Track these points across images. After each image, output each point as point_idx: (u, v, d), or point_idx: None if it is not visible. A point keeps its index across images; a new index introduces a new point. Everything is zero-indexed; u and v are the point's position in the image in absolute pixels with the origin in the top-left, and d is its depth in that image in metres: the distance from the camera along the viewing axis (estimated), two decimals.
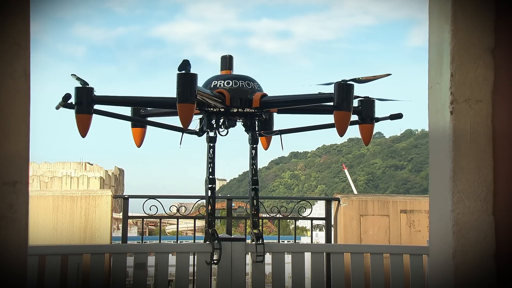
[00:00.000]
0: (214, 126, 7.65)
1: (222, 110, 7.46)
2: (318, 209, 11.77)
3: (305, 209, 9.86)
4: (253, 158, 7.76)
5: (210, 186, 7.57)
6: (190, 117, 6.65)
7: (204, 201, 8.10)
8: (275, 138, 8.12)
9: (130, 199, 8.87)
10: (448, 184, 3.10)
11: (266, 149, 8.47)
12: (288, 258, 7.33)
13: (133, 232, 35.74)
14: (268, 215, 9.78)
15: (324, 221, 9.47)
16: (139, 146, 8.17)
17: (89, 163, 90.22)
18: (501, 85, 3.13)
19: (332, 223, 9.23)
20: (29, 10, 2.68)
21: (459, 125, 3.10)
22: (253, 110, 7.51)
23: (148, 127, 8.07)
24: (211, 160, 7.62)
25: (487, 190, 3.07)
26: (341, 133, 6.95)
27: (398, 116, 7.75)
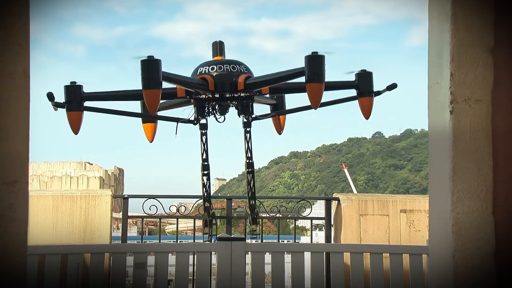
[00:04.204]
0: (206, 112, 7.69)
1: (210, 96, 7.50)
2: (318, 208, 11.77)
3: (305, 208, 9.87)
4: (248, 141, 7.79)
5: (204, 172, 7.60)
6: (156, 103, 6.72)
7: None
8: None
9: (130, 199, 8.88)
10: (447, 183, 3.10)
11: (280, 134, 8.52)
12: (287, 257, 7.33)
13: (132, 231, 35.68)
14: (268, 215, 9.77)
15: (323, 221, 9.47)
16: (151, 141, 8.29)
17: (89, 163, 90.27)
18: (500, 85, 3.13)
19: (332, 223, 9.23)
20: (28, 10, 2.68)
21: (458, 124, 3.10)
22: (239, 94, 7.54)
23: (159, 123, 8.19)
24: (204, 147, 7.66)
25: (487, 189, 3.07)
26: (315, 106, 6.97)
27: (393, 86, 7.78)
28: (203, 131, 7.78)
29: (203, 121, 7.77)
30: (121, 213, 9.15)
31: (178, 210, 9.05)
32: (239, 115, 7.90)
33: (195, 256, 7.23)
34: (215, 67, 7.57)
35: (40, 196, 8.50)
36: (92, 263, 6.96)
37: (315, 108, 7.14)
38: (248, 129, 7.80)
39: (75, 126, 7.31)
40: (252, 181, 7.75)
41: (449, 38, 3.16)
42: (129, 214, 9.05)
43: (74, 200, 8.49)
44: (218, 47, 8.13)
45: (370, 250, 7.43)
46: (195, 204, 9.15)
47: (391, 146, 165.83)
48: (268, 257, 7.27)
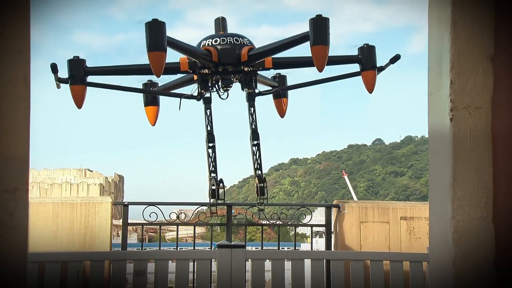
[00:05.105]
0: (209, 86, 7.75)
1: (213, 70, 7.56)
2: (318, 215, 11.75)
3: (305, 215, 9.85)
4: (252, 114, 7.86)
5: (209, 144, 7.67)
6: (161, 65, 6.74)
7: (204, 207, 8.14)
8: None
9: (130, 206, 8.87)
10: (448, 191, 3.09)
11: (282, 117, 8.58)
12: (288, 265, 7.32)
13: (132, 238, 35.70)
14: (268, 222, 9.77)
15: (324, 228, 9.45)
16: (153, 125, 8.36)
17: (89, 170, 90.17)
18: (500, 92, 3.13)
19: (332, 230, 9.22)
20: (29, 17, 2.68)
21: (458, 132, 3.10)
22: (242, 68, 7.59)
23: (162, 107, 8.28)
24: (209, 119, 7.74)
25: (487, 197, 3.06)
26: (320, 68, 6.98)
27: (397, 57, 7.83)
28: (207, 105, 7.87)
29: (207, 94, 7.86)
30: (121, 220, 9.14)
31: (178, 217, 9.04)
32: (242, 89, 7.96)
33: (195, 263, 7.22)
34: (218, 39, 7.62)
35: (40, 203, 8.50)
36: (92, 270, 6.95)
37: (320, 71, 7.15)
38: (252, 103, 7.89)
39: (79, 101, 7.39)
40: (258, 153, 7.85)
41: (449, 45, 3.16)
42: (129, 221, 9.04)
43: (74, 207, 8.49)
44: (221, 23, 8.19)
45: (370, 258, 7.42)
46: (195, 211, 9.14)
47: (391, 153, 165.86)
48: (268, 264, 7.26)
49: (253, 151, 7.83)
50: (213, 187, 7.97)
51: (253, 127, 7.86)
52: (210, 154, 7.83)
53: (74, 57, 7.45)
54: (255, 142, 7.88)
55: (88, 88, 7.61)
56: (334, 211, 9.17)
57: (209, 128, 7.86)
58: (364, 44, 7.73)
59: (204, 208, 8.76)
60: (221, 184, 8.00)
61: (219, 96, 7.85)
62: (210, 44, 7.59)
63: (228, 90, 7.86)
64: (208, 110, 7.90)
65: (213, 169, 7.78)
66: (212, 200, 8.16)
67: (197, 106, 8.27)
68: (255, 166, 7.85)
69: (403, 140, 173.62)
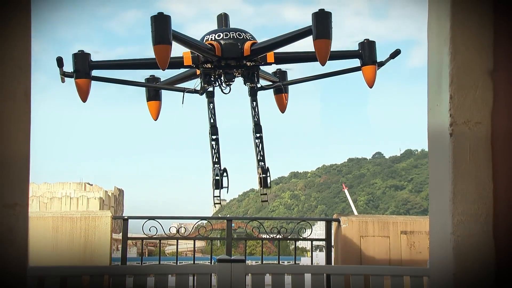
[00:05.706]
0: (213, 81, 7.80)
1: (216, 64, 7.62)
2: (318, 229, 11.73)
3: (305, 229, 9.83)
4: (254, 108, 7.92)
5: (213, 137, 7.74)
6: (167, 58, 6.78)
7: (203, 221, 8.14)
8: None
9: (129, 220, 8.85)
10: (448, 206, 3.09)
11: (283, 112, 8.62)
12: (288, 279, 7.29)
13: (132, 253, 35.56)
14: (268, 236, 9.75)
15: (324, 242, 9.42)
16: (155, 119, 8.38)
17: (89, 184, 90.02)
18: (500, 107, 3.13)
19: (332, 244, 9.19)
20: (30, 33, 2.69)
21: (458, 147, 3.10)
22: (245, 62, 7.63)
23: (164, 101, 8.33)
24: (212, 112, 7.80)
25: (487, 212, 3.06)
26: (323, 62, 7.01)
27: (397, 52, 7.86)
28: (210, 99, 7.95)
29: (210, 89, 7.92)
30: (121, 234, 9.12)
31: (178, 231, 9.03)
32: (245, 83, 8.02)
33: (195, 277, 7.19)
34: (221, 34, 7.67)
35: (40, 217, 8.49)
36: (91, 285, 6.92)
37: (323, 65, 7.18)
38: (254, 97, 7.97)
39: (83, 95, 7.45)
40: (260, 145, 7.93)
41: (448, 60, 3.17)
42: (129, 235, 9.02)
43: (74, 221, 8.47)
44: (223, 19, 8.24)
45: (371, 272, 7.39)
46: (195, 225, 9.13)
47: (391, 167, 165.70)
48: (268, 279, 7.23)
49: (256, 144, 7.96)
50: (217, 178, 8.03)
51: (256, 120, 7.97)
52: (214, 146, 7.96)
53: (79, 51, 7.50)
54: (258, 135, 8.00)
55: (88, 90, 7.67)
56: (334, 225, 9.15)
57: (212, 121, 7.99)
58: (365, 39, 7.78)
59: (204, 222, 8.76)
60: (224, 173, 8.07)
61: (222, 91, 7.94)
62: (213, 38, 7.66)
63: (231, 84, 7.93)
64: (211, 104, 8.03)
65: (216, 160, 7.89)
66: (216, 191, 8.22)
67: (198, 107, 8.31)
68: (258, 158, 7.96)
69: (403, 154, 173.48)
